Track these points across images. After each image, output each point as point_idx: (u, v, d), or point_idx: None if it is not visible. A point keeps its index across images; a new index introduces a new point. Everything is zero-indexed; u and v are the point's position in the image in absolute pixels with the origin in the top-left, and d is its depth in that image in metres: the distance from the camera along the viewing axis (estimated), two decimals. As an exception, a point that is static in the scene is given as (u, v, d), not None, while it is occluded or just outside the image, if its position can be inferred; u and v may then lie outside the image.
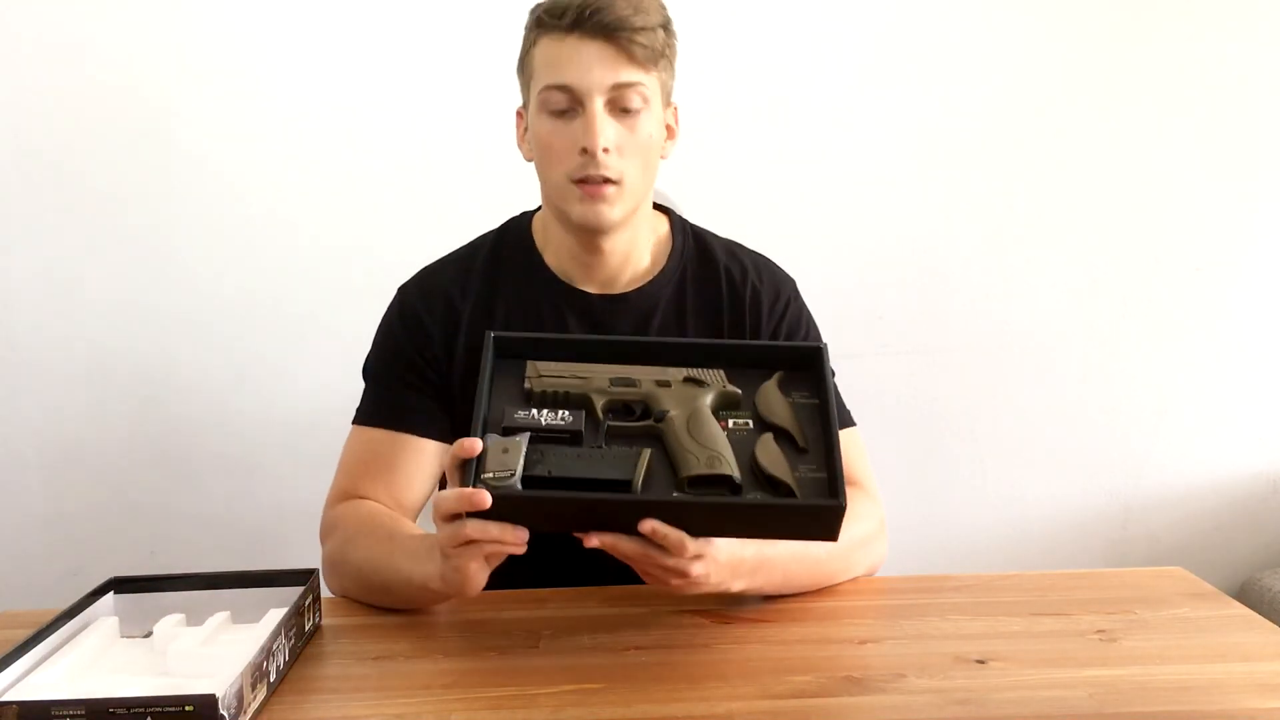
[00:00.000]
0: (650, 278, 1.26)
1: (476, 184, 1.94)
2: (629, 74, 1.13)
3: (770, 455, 0.98)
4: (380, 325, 1.30)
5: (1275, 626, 1.05)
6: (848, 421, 1.29)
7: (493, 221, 1.38)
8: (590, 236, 1.20)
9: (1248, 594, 2.06)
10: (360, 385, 1.30)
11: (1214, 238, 2.10)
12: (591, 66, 1.12)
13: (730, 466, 0.96)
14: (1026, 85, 2.04)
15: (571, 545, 1.01)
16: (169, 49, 1.92)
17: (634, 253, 1.25)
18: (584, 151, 1.13)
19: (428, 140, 1.96)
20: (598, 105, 1.12)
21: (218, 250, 1.97)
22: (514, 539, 0.94)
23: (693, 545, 0.95)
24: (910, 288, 2.07)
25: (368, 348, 1.32)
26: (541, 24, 1.15)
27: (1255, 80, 2.06)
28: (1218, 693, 0.91)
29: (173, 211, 1.96)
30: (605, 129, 1.13)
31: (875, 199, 2.04)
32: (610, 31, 1.11)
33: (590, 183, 1.14)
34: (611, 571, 1.12)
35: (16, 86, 1.92)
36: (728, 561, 1.01)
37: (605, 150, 1.13)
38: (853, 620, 1.08)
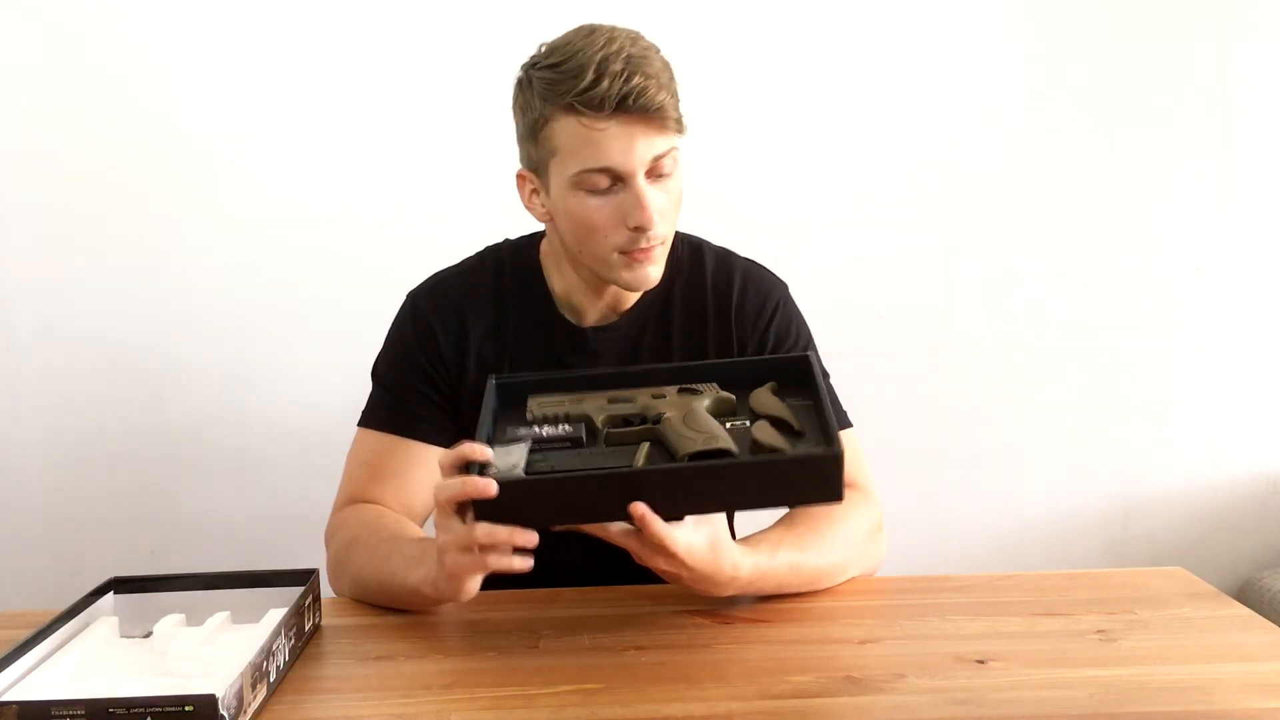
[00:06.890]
0: (638, 300, 1.28)
1: (481, 186, 1.93)
2: (664, 143, 1.14)
3: (767, 433, 1.00)
4: (391, 330, 1.31)
5: (1275, 626, 1.05)
6: (844, 423, 1.29)
7: (495, 223, 1.38)
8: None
9: (1248, 594, 2.05)
10: (366, 386, 1.30)
11: (1214, 238, 2.09)
12: (634, 147, 1.12)
13: (728, 441, 0.98)
14: (1026, 84, 2.03)
15: (571, 545, 1.01)
16: (172, 45, 1.92)
17: None
18: (636, 229, 1.14)
19: (434, 142, 1.96)
20: (641, 181, 1.13)
21: (219, 250, 1.96)
22: (523, 541, 0.95)
23: (671, 538, 0.96)
24: (910, 287, 2.07)
25: (371, 348, 1.32)
26: (570, 109, 1.11)
27: (1256, 79, 2.05)
28: (1218, 693, 0.91)
29: (175, 211, 1.96)
30: (654, 202, 1.14)
31: (875, 198, 2.04)
32: (651, 112, 1.11)
33: (640, 251, 1.16)
34: (612, 571, 1.13)
35: (18, 83, 1.92)
36: (725, 552, 1.02)
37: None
38: (853, 620, 1.09)
